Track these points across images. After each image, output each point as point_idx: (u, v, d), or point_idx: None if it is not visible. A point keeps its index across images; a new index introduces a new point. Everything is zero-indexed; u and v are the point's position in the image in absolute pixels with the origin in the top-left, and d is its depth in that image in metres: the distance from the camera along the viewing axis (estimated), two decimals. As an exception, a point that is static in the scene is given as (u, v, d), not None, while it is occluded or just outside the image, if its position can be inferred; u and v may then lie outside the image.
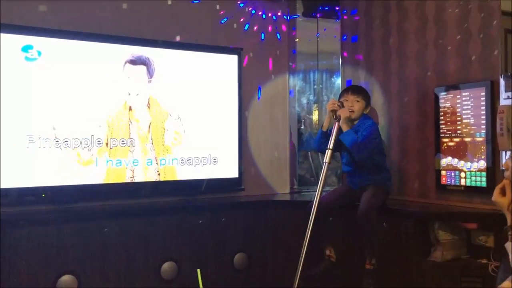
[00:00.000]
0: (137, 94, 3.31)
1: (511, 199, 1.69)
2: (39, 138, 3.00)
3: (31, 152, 2.97)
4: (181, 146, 3.46)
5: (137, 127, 3.31)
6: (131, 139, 3.29)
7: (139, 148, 3.31)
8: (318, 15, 4.11)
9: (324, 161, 2.87)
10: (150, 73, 3.36)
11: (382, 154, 3.21)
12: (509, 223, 1.67)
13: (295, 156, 4.08)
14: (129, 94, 3.28)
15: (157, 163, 3.37)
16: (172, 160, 3.43)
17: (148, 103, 3.35)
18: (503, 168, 1.81)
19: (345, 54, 4.00)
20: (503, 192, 1.71)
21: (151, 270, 3.08)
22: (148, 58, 3.35)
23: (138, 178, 3.31)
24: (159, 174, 3.38)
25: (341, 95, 3.25)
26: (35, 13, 3.09)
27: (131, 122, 3.28)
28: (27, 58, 2.98)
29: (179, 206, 3.36)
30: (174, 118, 3.43)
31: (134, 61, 3.31)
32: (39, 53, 3.02)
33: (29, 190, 2.99)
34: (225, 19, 3.77)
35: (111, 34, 3.26)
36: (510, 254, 1.63)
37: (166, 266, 3.12)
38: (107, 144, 3.20)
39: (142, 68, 3.34)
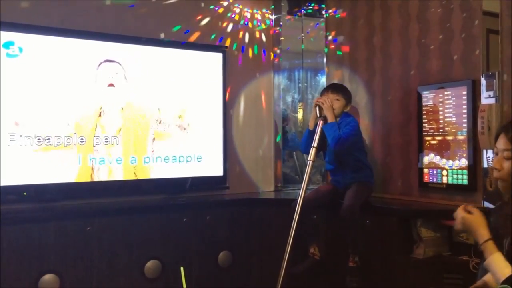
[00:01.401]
0: (114, 95, 3.28)
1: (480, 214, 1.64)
2: (21, 136, 2.96)
3: (12, 150, 2.93)
4: (165, 144, 3.45)
5: (118, 125, 3.29)
6: (115, 137, 3.26)
7: (121, 146, 3.29)
8: (302, 13, 4.12)
9: (308, 159, 2.88)
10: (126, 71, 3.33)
11: (363, 151, 3.24)
12: (485, 237, 1.61)
13: (280, 154, 4.08)
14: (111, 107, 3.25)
15: (140, 162, 3.35)
16: (157, 158, 3.41)
17: (124, 104, 3.33)
18: (496, 167, 1.73)
19: (329, 52, 4.02)
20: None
21: (135, 268, 3.06)
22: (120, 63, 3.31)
23: (122, 176, 3.29)
24: (143, 173, 3.36)
25: (322, 93, 3.26)
26: (17, 9, 3.04)
27: (111, 119, 3.26)
28: (8, 55, 2.94)
29: (163, 204, 3.34)
30: (155, 118, 3.41)
31: (110, 60, 3.26)
32: (21, 50, 2.98)
33: (11, 189, 2.94)
34: (209, 17, 3.75)
35: (94, 31, 3.23)
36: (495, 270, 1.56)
37: (150, 264, 3.10)
38: (90, 141, 3.17)
39: (118, 66, 3.30)
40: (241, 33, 3.91)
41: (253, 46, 3.97)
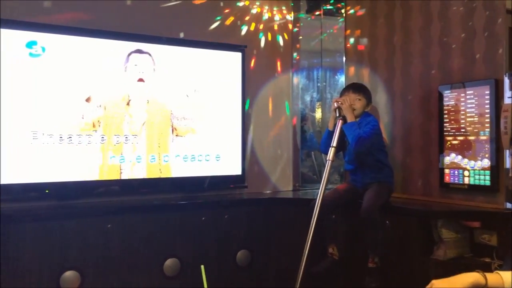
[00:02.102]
0: (141, 87, 3.31)
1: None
2: (43, 134, 3.00)
3: (34, 148, 2.98)
4: (184, 143, 3.46)
5: (139, 123, 3.31)
6: (135, 135, 3.29)
7: (142, 145, 3.31)
8: (322, 12, 4.11)
9: (327, 158, 2.87)
10: (155, 62, 3.37)
11: (383, 151, 3.21)
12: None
13: (298, 154, 4.07)
14: (131, 85, 3.28)
15: (160, 160, 3.38)
16: (176, 157, 3.43)
17: (147, 101, 3.35)
18: None
19: (348, 51, 3.99)
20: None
21: (154, 266, 3.09)
22: (149, 53, 3.37)
23: (141, 175, 3.32)
24: (161, 171, 3.39)
25: (342, 93, 3.24)
26: (40, 9, 3.09)
27: (131, 118, 3.29)
28: (31, 54, 2.99)
29: (182, 203, 3.36)
30: (176, 116, 3.43)
31: (140, 51, 3.31)
32: (43, 49, 3.02)
33: (33, 186, 2.99)
34: (229, 17, 3.76)
35: (115, 31, 3.26)
36: None
37: (169, 262, 3.12)
38: (110, 140, 3.20)
39: (148, 56, 3.34)
40: (260, 32, 3.91)
41: (272, 45, 3.97)
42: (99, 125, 3.17)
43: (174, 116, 3.43)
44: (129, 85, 3.29)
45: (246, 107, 3.80)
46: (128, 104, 3.28)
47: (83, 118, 3.13)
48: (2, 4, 2.94)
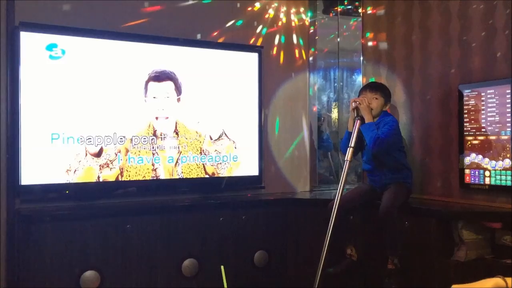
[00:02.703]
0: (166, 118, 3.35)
1: None
2: (63, 135, 3.04)
3: (55, 149, 3.01)
4: (202, 144, 3.48)
5: (163, 124, 3.34)
6: (152, 137, 3.31)
7: (160, 145, 3.33)
8: (338, 12, 4.08)
9: (345, 159, 2.84)
10: (178, 89, 3.38)
11: (402, 151, 3.18)
12: None
13: (315, 154, 4.06)
14: (157, 118, 3.32)
15: (178, 161, 3.39)
16: (193, 157, 3.45)
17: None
18: None
19: (366, 51, 3.96)
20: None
21: (172, 266, 3.10)
22: (173, 73, 3.36)
23: (160, 176, 3.34)
24: (181, 172, 3.40)
25: (360, 92, 3.22)
26: (59, 12, 3.13)
27: (156, 119, 3.31)
28: (51, 57, 3.02)
29: (200, 203, 3.38)
30: (194, 118, 3.45)
31: (158, 77, 3.32)
32: (63, 52, 3.05)
33: (53, 187, 3.03)
34: (245, 17, 3.77)
35: (133, 33, 3.29)
36: None
37: (187, 263, 3.14)
38: (128, 141, 3.23)
39: (169, 84, 3.36)
40: (277, 32, 3.91)
41: (288, 46, 3.96)
42: (120, 126, 3.20)
43: (193, 118, 3.45)
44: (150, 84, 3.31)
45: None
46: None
47: (102, 119, 3.15)
48: (22, 7, 2.99)
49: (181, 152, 3.40)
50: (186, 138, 3.42)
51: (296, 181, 3.99)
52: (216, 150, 3.53)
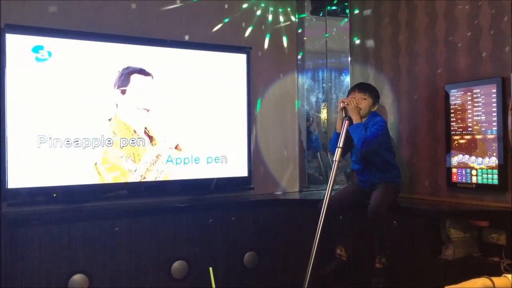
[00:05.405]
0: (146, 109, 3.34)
1: None
2: (50, 138, 3.01)
3: (42, 152, 2.99)
4: (190, 145, 3.47)
5: (146, 125, 3.32)
6: (141, 138, 3.29)
7: (148, 147, 3.32)
8: (326, 13, 4.10)
9: (334, 159, 2.85)
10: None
11: (391, 151, 3.20)
12: None
13: (304, 155, 4.07)
14: (137, 108, 3.30)
15: (165, 162, 3.38)
16: (183, 159, 3.44)
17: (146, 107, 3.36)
18: None
19: (353, 52, 3.98)
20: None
21: (162, 269, 3.09)
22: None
23: (148, 177, 3.32)
24: (168, 174, 3.39)
25: (349, 93, 3.24)
26: (45, 14, 3.10)
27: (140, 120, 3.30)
28: (37, 59, 3.00)
29: (189, 205, 3.36)
30: (181, 119, 3.44)
31: (143, 71, 3.31)
32: (50, 54, 3.03)
33: (40, 190, 3.01)
34: (233, 18, 3.76)
35: (120, 34, 3.27)
36: None
37: (177, 265, 3.13)
38: (117, 143, 3.21)
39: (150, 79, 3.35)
40: (265, 33, 3.91)
41: (277, 47, 3.97)
42: (107, 128, 3.19)
43: (179, 119, 3.44)
44: (137, 89, 3.29)
45: (258, 108, 3.81)
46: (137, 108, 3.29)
47: (89, 121, 3.13)
48: (8, 9, 2.96)
49: (169, 153, 3.39)
50: (175, 140, 3.41)
51: (285, 181, 3.99)
52: (205, 151, 3.52)
